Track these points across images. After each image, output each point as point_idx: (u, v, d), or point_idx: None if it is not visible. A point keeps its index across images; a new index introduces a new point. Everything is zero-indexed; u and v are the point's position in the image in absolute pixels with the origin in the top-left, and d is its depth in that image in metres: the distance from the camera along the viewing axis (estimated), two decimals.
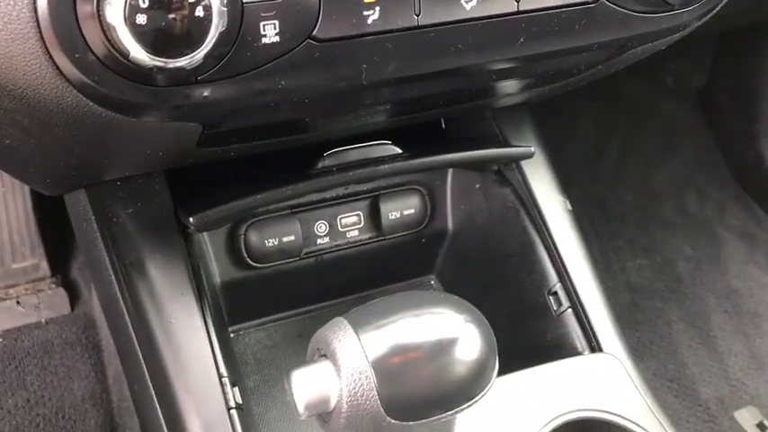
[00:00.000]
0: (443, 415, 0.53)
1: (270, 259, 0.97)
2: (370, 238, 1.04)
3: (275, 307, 1.05)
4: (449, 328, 0.54)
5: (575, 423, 0.79)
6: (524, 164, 0.97)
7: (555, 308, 0.92)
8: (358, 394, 0.51)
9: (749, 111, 2.02)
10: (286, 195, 0.85)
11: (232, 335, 1.03)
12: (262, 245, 0.96)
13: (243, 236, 0.96)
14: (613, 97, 2.08)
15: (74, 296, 1.53)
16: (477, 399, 0.55)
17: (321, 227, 1.01)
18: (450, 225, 1.07)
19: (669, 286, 1.87)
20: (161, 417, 0.79)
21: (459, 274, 1.07)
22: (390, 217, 1.02)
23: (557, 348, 0.88)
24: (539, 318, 0.93)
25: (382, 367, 0.52)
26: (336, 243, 1.02)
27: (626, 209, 2.02)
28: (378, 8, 0.60)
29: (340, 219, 1.02)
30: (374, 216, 1.03)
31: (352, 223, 1.02)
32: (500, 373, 0.82)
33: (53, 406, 1.45)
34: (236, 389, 0.78)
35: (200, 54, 0.55)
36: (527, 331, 0.94)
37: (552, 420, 0.77)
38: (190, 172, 0.84)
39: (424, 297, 0.58)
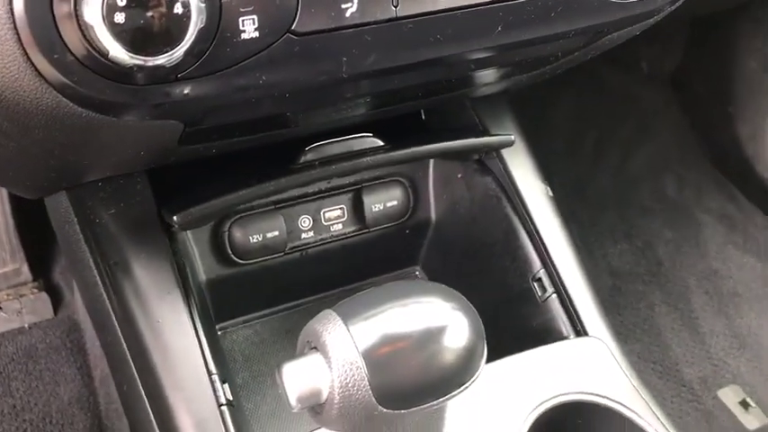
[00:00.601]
0: (434, 402, 0.54)
1: (254, 255, 0.97)
2: (354, 231, 1.04)
3: (262, 303, 1.05)
4: (437, 316, 0.55)
5: (562, 406, 0.80)
6: (505, 152, 0.98)
7: (539, 294, 0.93)
8: (349, 385, 0.52)
9: (723, 95, 2.05)
10: (269, 191, 0.85)
11: (219, 332, 1.03)
12: (246, 241, 0.96)
13: (227, 233, 0.96)
14: (591, 85, 2.09)
15: (56, 300, 1.52)
16: (467, 385, 0.55)
17: (305, 221, 1.01)
18: (433, 215, 1.08)
19: (650, 270, 1.90)
20: (151, 416, 0.79)
21: (443, 263, 1.08)
22: (374, 209, 1.02)
23: (543, 333, 0.89)
24: (524, 304, 0.94)
25: (372, 357, 0.52)
26: (321, 237, 1.02)
27: (605, 195, 2.04)
28: (356, 1, 0.60)
29: (323, 213, 1.02)
30: (357, 209, 1.03)
31: (335, 217, 1.03)
32: (488, 359, 0.83)
33: (40, 411, 1.44)
34: (226, 385, 0.78)
35: (179, 51, 0.55)
36: (513, 318, 0.95)
37: (540, 405, 0.78)
38: (172, 170, 0.84)
39: (412, 286, 0.59)
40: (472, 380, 0.56)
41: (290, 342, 1.05)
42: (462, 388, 0.55)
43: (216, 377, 0.78)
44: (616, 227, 1.96)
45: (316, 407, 0.54)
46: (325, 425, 0.55)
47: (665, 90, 2.19)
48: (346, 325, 0.53)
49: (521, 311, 0.95)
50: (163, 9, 0.52)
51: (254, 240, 0.96)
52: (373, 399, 0.52)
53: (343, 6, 0.59)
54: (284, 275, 1.00)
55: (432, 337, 0.54)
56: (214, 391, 0.77)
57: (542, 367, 0.82)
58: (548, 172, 1.08)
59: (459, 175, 1.03)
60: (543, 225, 0.95)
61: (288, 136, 0.83)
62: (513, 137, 0.95)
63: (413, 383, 0.53)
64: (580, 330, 0.89)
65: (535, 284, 0.94)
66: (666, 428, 0.81)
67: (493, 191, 0.99)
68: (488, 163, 1.00)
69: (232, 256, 0.97)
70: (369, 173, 1.02)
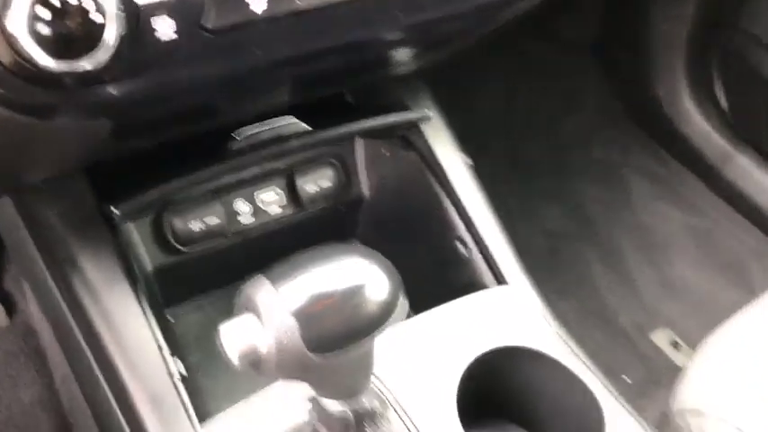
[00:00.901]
0: (359, 343, 0.61)
1: (196, 242, 1.03)
2: (291, 213, 1.10)
3: (209, 286, 1.10)
4: (356, 271, 0.61)
5: (486, 354, 0.87)
6: (426, 128, 1.05)
7: (464, 253, 1.01)
8: (282, 340, 0.58)
9: (640, 58, 2.15)
10: (203, 178, 0.91)
11: (171, 317, 1.08)
12: (187, 229, 1.01)
13: (168, 222, 1.01)
14: (516, 57, 2.18)
15: (10, 307, 1.54)
16: (383, 327, 0.62)
17: (242, 206, 1.07)
18: (365, 192, 1.14)
19: (583, 229, 2.00)
20: (111, 399, 0.84)
21: (379, 235, 1.14)
22: (308, 190, 1.09)
23: (470, 288, 0.96)
24: (452, 264, 1.02)
25: (300, 313, 0.58)
26: (259, 221, 1.08)
27: (537, 160, 2.13)
28: None
29: (260, 197, 1.08)
30: (292, 191, 1.09)
31: (272, 200, 1.09)
32: (418, 311, 0.91)
33: (2, 416, 1.46)
34: (179, 362, 0.84)
35: (103, 56, 0.60)
36: (443, 277, 1.02)
37: (467, 356, 0.86)
38: (110, 166, 0.88)
39: (333, 248, 0.65)
40: (389, 321, 0.62)
41: None
42: (380, 330, 0.62)
43: (167, 353, 0.84)
44: (548, 191, 2.06)
45: (255, 362, 0.60)
46: (262, 375, 0.61)
47: (586, 58, 2.29)
48: (275, 286, 0.60)
49: (449, 270, 1.02)
50: (82, 18, 0.58)
51: (195, 227, 1.01)
52: (305, 348, 0.58)
53: (248, 1, 0.65)
54: (228, 259, 1.06)
55: (352, 290, 0.60)
56: (167, 367, 0.83)
57: (467, 316, 0.90)
58: (480, 140, 1.15)
59: (386, 153, 1.10)
60: (463, 192, 1.03)
61: (218, 125, 0.88)
62: (430, 112, 1.02)
63: (338, 331, 0.60)
64: (501, 281, 0.98)
65: (459, 245, 1.02)
66: (586, 368, 0.89)
67: (417, 164, 1.06)
68: (412, 139, 1.07)
69: (175, 244, 1.02)
70: (301, 156, 1.08)
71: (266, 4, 0.66)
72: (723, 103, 2.05)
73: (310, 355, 0.59)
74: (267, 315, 0.59)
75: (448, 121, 1.07)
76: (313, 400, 0.71)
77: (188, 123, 0.82)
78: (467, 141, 1.13)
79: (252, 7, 0.65)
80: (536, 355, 0.89)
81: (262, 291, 0.60)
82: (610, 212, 2.04)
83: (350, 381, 0.67)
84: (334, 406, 0.69)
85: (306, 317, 0.59)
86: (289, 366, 0.60)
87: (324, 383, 0.66)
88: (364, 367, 0.67)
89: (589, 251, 1.95)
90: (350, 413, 0.69)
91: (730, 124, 2.04)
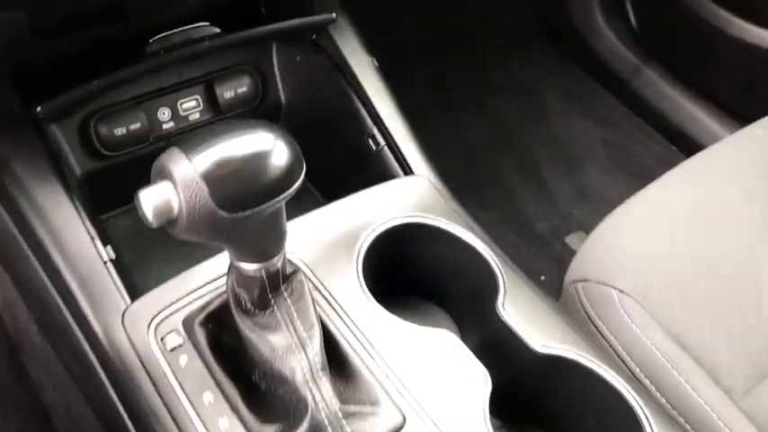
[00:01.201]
0: (264, 206, 0.69)
1: (121, 147, 1.09)
2: (210, 118, 1.16)
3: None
4: (259, 141, 0.69)
5: (392, 229, 0.97)
6: (334, 33, 1.12)
7: (374, 147, 1.10)
8: (193, 199, 0.66)
9: None
10: (122, 78, 0.96)
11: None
12: (111, 134, 1.07)
13: (93, 128, 1.06)
14: None
15: None
16: (288, 193, 0.70)
17: (164, 113, 1.13)
18: (282, 97, 1.21)
19: (501, 141, 2.11)
20: (48, 286, 0.91)
21: (297, 136, 1.21)
22: (226, 96, 1.15)
23: (381, 179, 1.05)
24: (364, 158, 1.10)
25: (209, 176, 0.65)
26: (180, 126, 1.14)
27: (458, 81, 2.22)
28: None
29: (180, 104, 1.14)
30: (211, 98, 1.15)
31: (192, 107, 1.15)
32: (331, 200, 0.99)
33: None
34: (109, 247, 0.91)
35: None
36: (357, 170, 1.11)
37: (373, 230, 0.95)
38: (34, 73, 0.93)
39: (240, 123, 0.72)
40: (293, 189, 0.70)
41: None
42: (283, 196, 0.70)
43: (97, 240, 0.91)
44: (469, 107, 2.16)
45: (170, 222, 0.68)
46: (179, 235, 0.69)
47: None
48: (186, 155, 0.67)
49: (361, 164, 1.11)
50: None
51: (119, 133, 1.07)
52: (214, 205, 0.66)
53: None
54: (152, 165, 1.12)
55: (256, 156, 0.68)
56: (97, 251, 0.90)
57: (376, 201, 0.99)
58: (404, 67, 1.20)
59: (299, 58, 1.17)
60: (371, 90, 1.10)
61: (133, 29, 0.93)
62: (334, 14, 1.08)
63: (244, 192, 0.67)
64: (408, 172, 1.07)
65: (369, 140, 1.11)
66: (484, 243, 0.99)
67: (328, 67, 1.13)
68: (322, 43, 1.14)
69: (101, 149, 1.08)
70: (217, 64, 1.14)
71: None
72: (632, 19, 2.16)
73: (220, 212, 0.67)
74: (179, 179, 0.66)
75: (356, 26, 1.14)
76: (230, 267, 0.80)
77: (102, 22, 0.86)
78: (392, 66, 1.20)
79: None
80: (436, 230, 0.99)
81: (173, 158, 0.67)
82: (527, 126, 2.15)
83: (262, 243, 0.75)
84: (249, 268, 0.77)
85: (214, 179, 0.66)
86: (200, 225, 0.67)
87: (237, 245, 0.74)
88: (274, 231, 0.75)
89: (507, 163, 2.06)
90: (263, 273, 0.78)
91: (639, 39, 2.15)
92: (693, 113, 2.05)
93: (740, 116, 1.93)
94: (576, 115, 2.19)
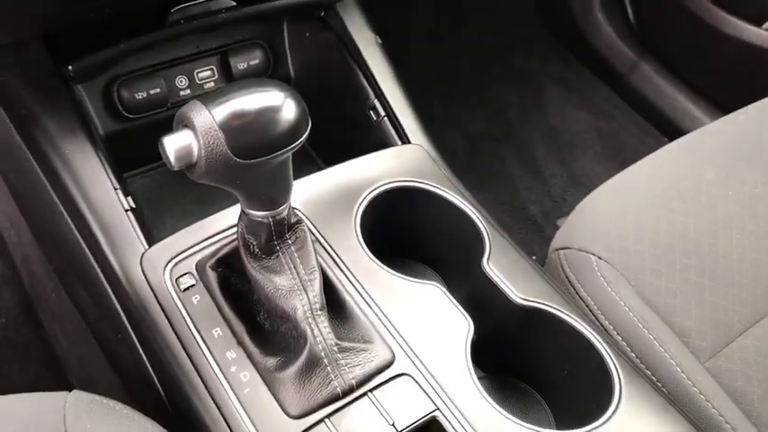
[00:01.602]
0: (273, 155, 0.77)
1: (141, 110, 1.17)
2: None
3: (155, 156, 1.24)
4: (272, 98, 0.77)
5: (387, 192, 1.05)
6: (341, 10, 1.21)
7: (374, 118, 1.18)
8: (211, 145, 0.74)
9: None
10: (146, 42, 1.05)
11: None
12: (132, 98, 1.15)
13: (116, 91, 1.15)
14: None
15: None
16: (295, 145, 0.79)
17: (181, 81, 1.21)
18: (291, 70, 1.30)
19: (501, 131, 2.19)
20: (74, 231, 0.99)
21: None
22: (239, 67, 1.23)
23: (380, 148, 1.14)
24: (364, 128, 1.18)
25: (225, 125, 0.74)
26: (196, 93, 1.23)
27: (462, 71, 2.30)
28: None
29: (197, 73, 1.23)
30: (225, 68, 1.24)
31: (207, 76, 1.23)
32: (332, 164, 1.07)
33: None
34: (130, 198, 1.00)
35: None
36: (357, 139, 1.19)
37: (369, 192, 1.03)
38: (64, 38, 1.01)
39: (256, 81, 0.80)
40: (299, 141, 0.79)
41: (183, 185, 1.27)
42: (291, 147, 0.78)
43: (119, 190, 0.99)
44: (472, 97, 2.24)
45: (189, 166, 0.76)
46: (197, 179, 0.77)
47: None
48: (206, 106, 0.75)
49: (362, 134, 1.19)
50: None
51: (140, 97, 1.16)
52: (229, 152, 0.74)
53: None
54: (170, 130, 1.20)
55: (268, 111, 0.76)
56: (119, 199, 0.98)
57: (373, 166, 1.07)
58: (410, 59, 1.28)
59: (308, 34, 1.26)
60: (374, 65, 1.19)
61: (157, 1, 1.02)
62: None
63: (256, 141, 0.76)
64: (405, 141, 1.15)
65: (371, 112, 1.19)
66: (472, 206, 1.07)
67: (334, 43, 1.21)
68: (329, 21, 1.22)
69: (123, 111, 1.16)
70: (232, 37, 1.23)
71: None
72: (631, 15, 2.24)
73: (235, 159, 0.75)
74: (200, 128, 0.74)
75: (362, 4, 1.22)
76: (241, 214, 0.88)
77: None
78: (400, 57, 1.28)
79: None
80: (429, 193, 1.07)
81: (195, 109, 0.75)
82: (525, 116, 2.23)
83: (270, 191, 0.84)
84: (258, 214, 0.86)
85: (230, 129, 0.74)
86: (216, 170, 0.76)
87: (248, 192, 0.83)
88: (282, 181, 0.84)
89: (505, 150, 2.14)
90: (271, 220, 0.86)
91: (636, 36, 2.23)
92: (687, 108, 2.13)
93: (731, 110, 2.01)
94: (573, 106, 2.27)
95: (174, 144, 0.74)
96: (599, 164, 2.14)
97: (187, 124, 0.75)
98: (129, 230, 0.97)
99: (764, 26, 1.89)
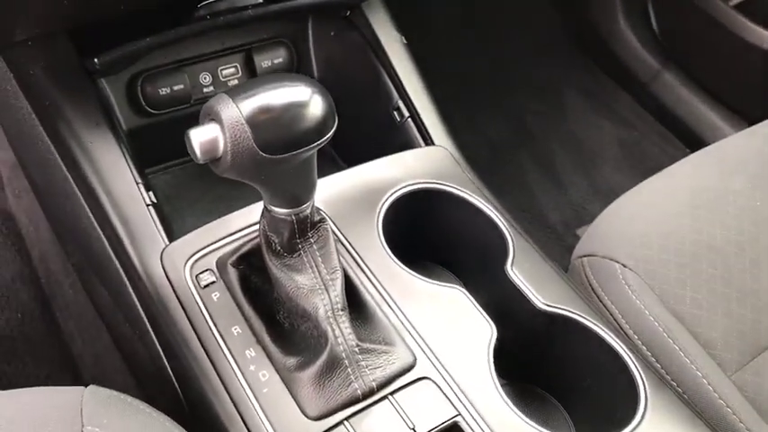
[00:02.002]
0: (299, 151, 0.76)
1: (165, 106, 1.17)
2: None
3: (177, 152, 1.24)
4: (299, 93, 0.76)
5: (411, 193, 1.04)
6: (367, 10, 1.20)
7: (398, 119, 1.17)
8: (237, 139, 0.73)
9: None
10: (172, 38, 1.04)
11: None
12: (156, 93, 1.15)
13: (139, 87, 1.15)
14: None
15: None
16: (321, 142, 0.78)
17: (205, 78, 1.21)
18: (315, 70, 1.29)
19: (522, 138, 2.17)
20: (94, 222, 0.99)
21: None
22: (263, 65, 1.23)
23: (404, 149, 1.12)
24: (388, 128, 1.17)
25: (252, 119, 0.73)
26: (220, 90, 1.22)
27: (484, 78, 2.28)
28: None
29: (221, 70, 1.22)
30: (249, 66, 1.23)
31: (231, 74, 1.23)
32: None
33: None
34: (151, 193, 0.99)
35: None
36: (381, 139, 1.18)
37: (393, 192, 1.02)
38: (90, 31, 1.01)
39: (284, 75, 0.79)
40: (326, 137, 0.78)
41: (204, 183, 1.26)
42: (318, 142, 0.77)
43: (141, 185, 0.99)
44: (493, 104, 2.22)
45: (215, 159, 0.75)
46: (222, 173, 0.76)
47: None
48: (233, 99, 0.74)
49: (386, 134, 1.18)
50: None
51: (163, 92, 1.15)
52: (255, 147, 0.73)
53: None
54: (192, 125, 1.20)
55: (294, 106, 0.75)
56: (140, 193, 0.98)
57: (397, 167, 1.06)
58: (432, 65, 1.27)
59: (333, 33, 1.25)
60: (399, 66, 1.18)
61: None
62: None
63: (282, 136, 0.75)
64: (429, 142, 1.14)
65: (395, 112, 1.18)
66: (496, 210, 1.06)
67: (359, 43, 1.20)
68: (355, 20, 1.22)
69: (145, 106, 1.16)
70: (257, 35, 1.22)
71: None
72: (654, 24, 2.22)
73: (261, 153, 0.74)
74: (226, 121, 0.73)
75: (386, 4, 1.21)
76: (264, 211, 0.87)
77: None
78: (422, 60, 1.27)
79: None
80: (452, 196, 1.06)
81: (222, 102, 0.74)
82: (547, 124, 2.21)
83: (294, 188, 0.83)
84: (281, 211, 0.84)
85: (257, 123, 0.73)
86: (242, 164, 0.75)
87: (273, 188, 0.81)
88: (306, 178, 0.83)
89: (525, 157, 2.12)
90: (294, 217, 0.85)
91: (660, 44, 2.21)
92: (710, 118, 2.11)
93: (755, 121, 1.98)
94: (595, 115, 2.25)
95: (201, 137, 0.73)
96: (620, 173, 2.11)
97: (214, 118, 0.74)
98: (150, 225, 0.96)
99: None
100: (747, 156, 1.29)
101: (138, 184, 0.98)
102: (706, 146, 1.33)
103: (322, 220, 0.89)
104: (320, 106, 0.76)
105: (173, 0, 1.02)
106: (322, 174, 0.94)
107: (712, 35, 2.02)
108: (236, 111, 0.73)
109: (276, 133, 0.74)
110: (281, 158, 0.75)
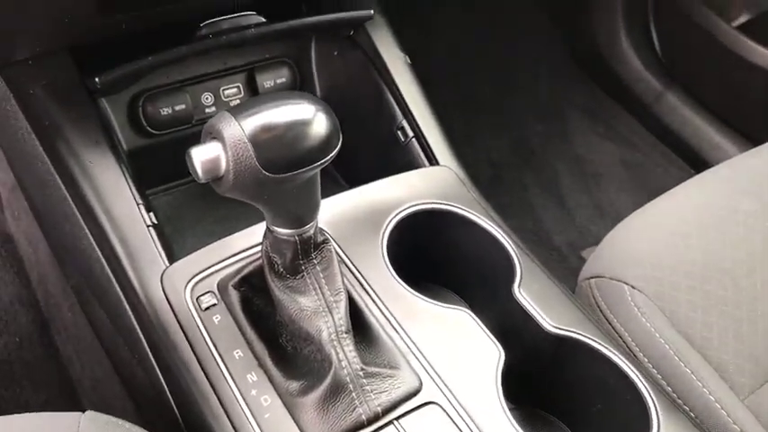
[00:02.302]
0: (302, 170, 0.75)
1: (166, 126, 1.15)
2: None
3: (178, 173, 1.23)
4: (303, 112, 0.75)
5: (416, 214, 1.02)
6: (371, 30, 1.19)
7: (403, 139, 1.16)
8: (240, 158, 0.72)
9: (582, 5, 2.31)
10: (174, 57, 1.03)
11: None
12: (157, 113, 1.14)
13: (141, 106, 1.13)
14: (466, 4, 2.32)
15: None
16: (325, 161, 0.76)
17: (207, 98, 1.20)
18: (318, 89, 1.28)
19: (524, 159, 2.16)
20: (94, 244, 0.97)
21: None
22: (266, 85, 1.21)
23: (408, 168, 1.11)
24: (392, 148, 1.16)
25: (255, 138, 0.71)
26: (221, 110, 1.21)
27: (486, 98, 2.28)
28: None
29: (223, 90, 1.21)
30: (252, 86, 1.22)
31: (233, 94, 1.22)
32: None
33: None
34: (152, 214, 0.98)
35: None
36: (385, 159, 1.16)
37: (398, 213, 1.01)
38: (92, 50, 1.00)
39: (287, 94, 0.78)
40: (330, 156, 0.76)
41: (205, 204, 1.25)
42: (321, 163, 0.76)
43: (142, 206, 0.97)
44: (495, 124, 2.22)
45: (217, 179, 0.74)
46: (224, 192, 0.75)
47: (534, 3, 2.44)
48: (235, 117, 0.73)
49: (390, 154, 1.17)
50: None
51: (165, 113, 1.14)
52: (258, 166, 0.72)
53: None
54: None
55: (298, 125, 0.74)
56: (141, 214, 0.96)
57: (402, 187, 1.04)
58: (434, 84, 1.27)
59: (336, 53, 1.24)
60: (403, 85, 1.17)
61: (186, 13, 1.00)
62: (372, 11, 1.15)
63: (285, 155, 0.73)
64: (434, 162, 1.13)
65: (399, 132, 1.17)
66: (502, 231, 1.04)
67: (363, 62, 1.19)
68: (358, 39, 1.21)
69: (147, 127, 1.14)
70: (259, 54, 1.21)
71: None
72: (657, 45, 2.22)
73: (264, 172, 0.73)
74: (228, 140, 0.72)
75: (391, 24, 1.21)
76: (266, 232, 0.85)
77: (162, 4, 0.94)
78: (425, 79, 1.27)
79: None
80: (458, 217, 1.04)
81: (224, 121, 0.73)
82: (550, 144, 2.20)
83: (297, 208, 0.81)
84: (284, 232, 0.83)
85: (259, 142, 0.72)
86: (244, 183, 0.73)
87: (275, 208, 0.80)
88: (309, 198, 0.81)
89: (529, 178, 2.11)
90: (297, 238, 0.83)
91: (663, 65, 2.21)
92: (714, 139, 2.09)
93: (760, 142, 1.97)
94: (598, 136, 2.24)
95: (202, 156, 0.72)
96: (625, 194, 2.10)
97: (216, 136, 0.73)
98: (151, 246, 0.94)
99: None
100: (755, 176, 1.27)
101: (138, 205, 0.96)
102: (710, 167, 1.32)
103: (325, 241, 0.88)
104: (324, 124, 0.75)
105: (175, 19, 1.01)
106: (324, 194, 0.93)
107: (715, 55, 2.02)
108: (239, 129, 0.72)
109: (279, 152, 0.73)
110: (284, 177, 0.74)
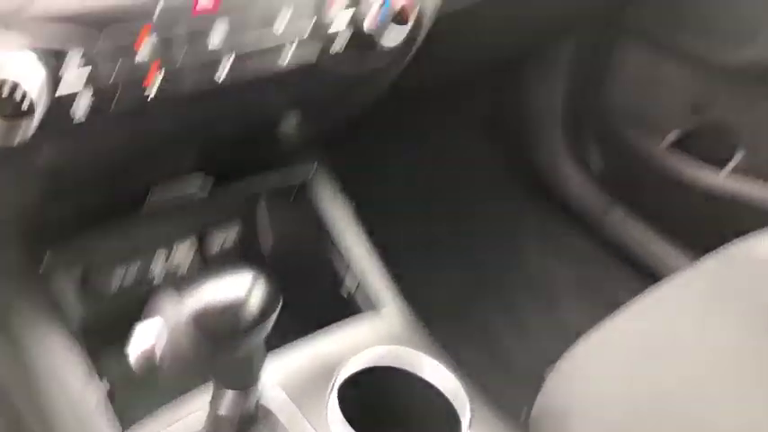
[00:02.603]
0: (242, 349, 0.78)
1: (117, 292, 1.19)
2: (201, 266, 1.27)
3: (130, 334, 1.24)
4: (241, 288, 0.78)
5: (360, 372, 1.05)
6: (314, 182, 1.26)
7: (348, 290, 1.20)
8: (179, 337, 0.75)
9: (524, 132, 2.43)
10: (123, 228, 1.08)
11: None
12: (107, 281, 1.17)
13: (92, 273, 1.17)
14: (415, 133, 2.42)
15: None
16: (261, 335, 0.80)
17: (157, 262, 1.24)
18: (266, 246, 1.33)
19: (483, 287, 2.20)
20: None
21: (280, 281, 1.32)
22: (215, 249, 1.27)
23: (354, 314, 1.14)
24: (336, 299, 1.21)
25: (195, 316, 0.75)
26: (173, 273, 1.24)
27: (441, 226, 2.35)
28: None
29: (173, 254, 1.25)
30: (202, 248, 1.27)
31: (184, 256, 1.26)
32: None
33: None
34: (105, 380, 0.99)
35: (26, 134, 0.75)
36: (331, 310, 1.20)
37: (344, 370, 1.03)
38: (40, 220, 1.04)
39: (226, 270, 0.81)
40: (263, 333, 0.80)
41: None
42: (259, 336, 0.79)
43: (95, 378, 0.98)
44: (451, 253, 2.27)
45: (152, 366, 0.77)
46: (165, 372, 0.77)
47: (481, 131, 2.55)
48: (180, 296, 0.76)
49: (335, 303, 1.21)
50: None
51: (116, 279, 1.18)
52: (194, 349, 0.75)
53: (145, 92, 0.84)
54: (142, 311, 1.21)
55: (235, 300, 0.78)
56: (93, 388, 0.97)
57: (345, 339, 1.07)
58: (385, 222, 1.32)
59: (283, 208, 1.30)
60: (347, 235, 1.22)
61: (133, 182, 1.06)
62: (315, 164, 1.22)
63: (225, 331, 0.76)
64: (379, 308, 1.17)
65: (345, 283, 1.21)
66: (448, 378, 1.06)
67: (309, 215, 1.25)
68: (304, 192, 1.27)
69: (97, 293, 1.17)
70: (209, 216, 1.27)
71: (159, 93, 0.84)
72: (598, 167, 2.33)
73: (203, 348, 0.76)
74: (168, 318, 0.75)
75: (332, 175, 1.28)
76: (210, 402, 0.87)
77: (105, 183, 0.99)
78: (375, 224, 1.33)
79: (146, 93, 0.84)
80: (399, 372, 1.07)
81: (167, 299, 0.77)
82: (506, 269, 2.25)
83: (242, 373, 0.84)
84: (225, 410, 0.85)
85: (198, 318, 0.75)
86: (185, 358, 0.76)
87: (220, 374, 0.83)
88: (253, 363, 0.84)
89: (489, 306, 2.15)
90: (236, 417, 0.86)
91: (606, 184, 2.31)
92: (662, 252, 2.16)
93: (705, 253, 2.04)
94: (552, 257, 2.30)
95: (136, 350, 0.75)
96: (581, 311, 2.14)
97: (160, 314, 0.76)
98: (102, 420, 0.95)
99: (722, 172, 1.97)
100: (691, 295, 1.31)
101: (89, 377, 0.98)
102: (661, 279, 1.35)
103: (265, 412, 0.90)
104: (258, 300, 0.78)
105: (125, 194, 1.07)
106: (271, 345, 0.95)
107: (651, 174, 2.12)
108: (179, 306, 0.75)
109: (219, 327, 0.76)
110: (225, 350, 0.77)
